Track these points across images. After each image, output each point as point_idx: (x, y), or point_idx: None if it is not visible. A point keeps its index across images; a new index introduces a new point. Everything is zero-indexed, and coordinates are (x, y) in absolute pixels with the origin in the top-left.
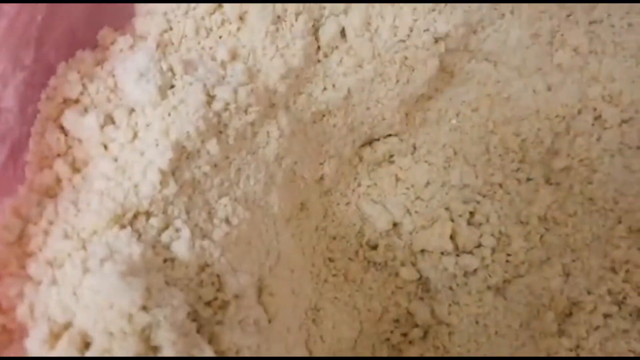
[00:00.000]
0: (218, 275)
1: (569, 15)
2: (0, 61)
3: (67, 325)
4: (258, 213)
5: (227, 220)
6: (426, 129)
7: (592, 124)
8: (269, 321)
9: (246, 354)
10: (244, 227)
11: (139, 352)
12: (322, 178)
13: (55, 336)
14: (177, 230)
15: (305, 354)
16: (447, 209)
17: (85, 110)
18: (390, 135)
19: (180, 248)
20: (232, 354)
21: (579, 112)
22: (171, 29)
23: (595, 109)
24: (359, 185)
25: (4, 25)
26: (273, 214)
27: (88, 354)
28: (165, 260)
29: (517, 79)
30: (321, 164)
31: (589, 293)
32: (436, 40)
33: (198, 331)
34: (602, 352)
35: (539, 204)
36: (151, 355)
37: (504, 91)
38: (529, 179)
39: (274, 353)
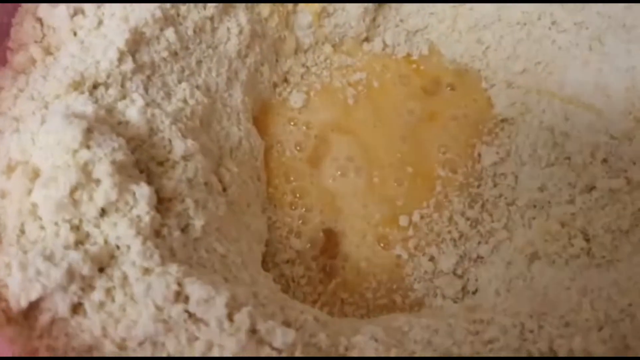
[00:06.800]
0: (169, 140)
1: None
2: None
3: (24, 163)
4: (219, 102)
5: (185, 101)
6: (394, 34)
7: (549, 28)
8: (223, 189)
9: (191, 204)
10: (199, 108)
11: (80, 181)
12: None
13: (11, 169)
14: (133, 100)
15: (264, 233)
16: None
17: (58, 2)
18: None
19: (132, 113)
20: (177, 202)
21: (539, 17)
22: None
23: (552, 14)
24: None
25: None
26: (235, 106)
27: (37, 183)
28: (120, 123)
29: None
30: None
31: None
32: None
33: (148, 183)
34: None
35: (499, 106)
36: (93, 186)
37: (468, 2)
38: (492, 85)
39: (228, 216)
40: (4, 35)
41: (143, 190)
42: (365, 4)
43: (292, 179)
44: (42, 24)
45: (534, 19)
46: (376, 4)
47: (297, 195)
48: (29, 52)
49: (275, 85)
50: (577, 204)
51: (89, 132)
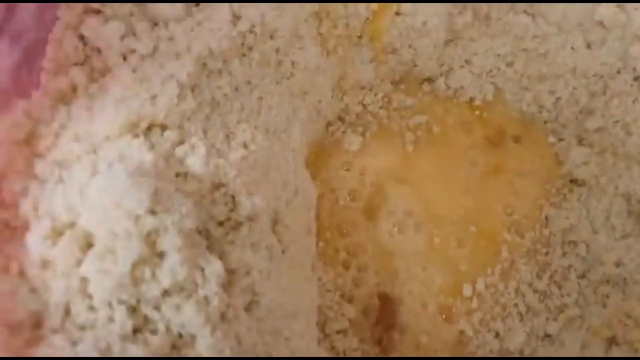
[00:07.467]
0: (232, 196)
1: None
2: None
3: (71, 224)
4: (278, 144)
5: (245, 145)
6: (458, 75)
7: (631, 85)
8: (282, 251)
9: (256, 276)
10: (261, 155)
11: (142, 255)
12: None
13: (57, 233)
14: (193, 146)
15: (316, 299)
16: None
17: (107, 20)
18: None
19: (195, 163)
20: (241, 274)
21: (618, 71)
22: None
23: (635, 69)
24: None
25: None
26: (293, 149)
27: (90, 254)
28: (178, 175)
29: (556, 34)
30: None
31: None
32: None
33: (208, 248)
34: None
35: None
36: (157, 260)
37: (541, 47)
38: (561, 139)
39: (285, 284)
40: (38, 53)
41: (214, 267)
42: (436, 41)
43: (345, 232)
44: (85, 44)
45: (614, 72)
46: (445, 42)
47: (351, 252)
48: (69, 76)
49: (328, 124)
50: None
51: (156, 193)
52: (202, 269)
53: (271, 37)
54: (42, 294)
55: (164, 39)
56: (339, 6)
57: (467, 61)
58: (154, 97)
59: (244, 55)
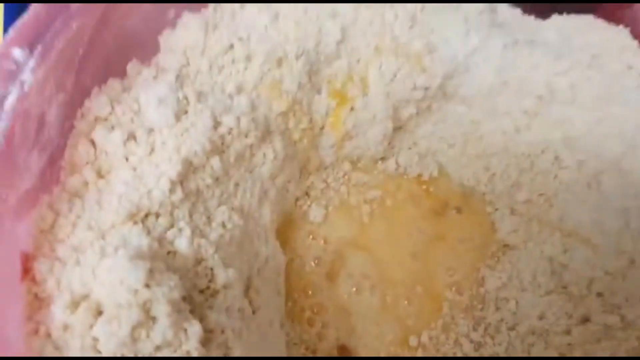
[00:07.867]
0: (211, 269)
1: (535, 67)
2: (47, 85)
3: (85, 297)
4: (251, 222)
5: (223, 225)
6: (407, 156)
7: (552, 163)
8: (253, 312)
9: (229, 334)
10: (237, 232)
11: (140, 320)
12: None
13: (75, 304)
14: (180, 229)
15: (283, 351)
16: None
17: (112, 128)
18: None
19: (182, 244)
20: (217, 333)
21: (542, 151)
22: (189, 64)
23: (555, 150)
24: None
25: (53, 57)
26: (264, 224)
27: (100, 320)
28: (168, 253)
29: (489, 120)
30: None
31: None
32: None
33: (191, 312)
34: None
35: (503, 232)
36: (150, 323)
37: (477, 131)
38: (496, 209)
39: (255, 339)
40: (58, 156)
41: (195, 329)
42: (385, 130)
43: (310, 294)
44: (95, 147)
45: (538, 152)
46: (393, 129)
47: (315, 311)
48: (83, 175)
49: (296, 199)
50: (574, 335)
51: (150, 272)
52: (185, 330)
53: (246, 136)
54: (63, 351)
55: (158, 143)
56: (304, 106)
57: (414, 143)
58: (150, 192)
59: (223, 152)
